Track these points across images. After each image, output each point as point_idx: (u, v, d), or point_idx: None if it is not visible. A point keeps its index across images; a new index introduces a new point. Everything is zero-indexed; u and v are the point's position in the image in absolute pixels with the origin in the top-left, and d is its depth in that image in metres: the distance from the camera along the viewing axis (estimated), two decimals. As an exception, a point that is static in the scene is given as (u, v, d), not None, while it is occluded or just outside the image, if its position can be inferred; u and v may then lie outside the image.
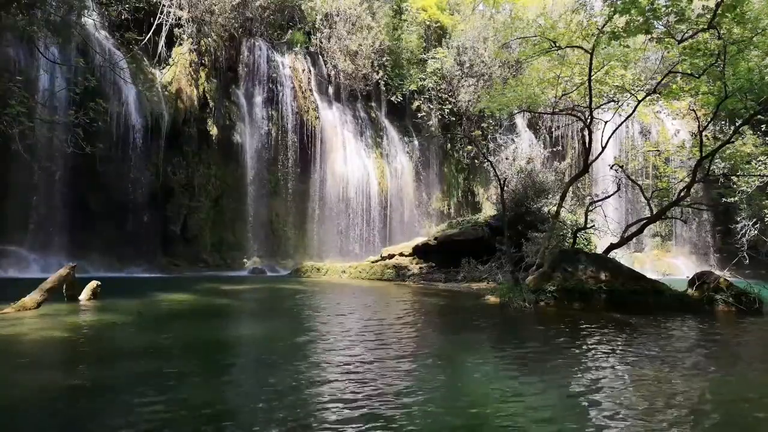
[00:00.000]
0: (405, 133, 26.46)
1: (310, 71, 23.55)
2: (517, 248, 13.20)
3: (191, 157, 19.71)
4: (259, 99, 21.84)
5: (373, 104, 26.02)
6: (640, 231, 13.39)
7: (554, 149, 26.77)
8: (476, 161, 26.37)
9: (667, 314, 8.76)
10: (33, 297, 7.68)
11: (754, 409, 3.97)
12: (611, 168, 14.83)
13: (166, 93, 19.09)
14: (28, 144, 12.92)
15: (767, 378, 5.02)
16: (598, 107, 12.98)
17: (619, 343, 6.43)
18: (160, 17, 19.16)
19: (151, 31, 19.00)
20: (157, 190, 18.46)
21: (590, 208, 13.74)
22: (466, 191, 27.72)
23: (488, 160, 16.05)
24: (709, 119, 13.57)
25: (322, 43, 23.89)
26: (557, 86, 13.47)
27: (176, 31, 19.85)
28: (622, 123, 14.13)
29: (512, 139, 26.35)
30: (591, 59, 11.23)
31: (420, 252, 17.62)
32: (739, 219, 20.95)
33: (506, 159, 21.53)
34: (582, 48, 11.89)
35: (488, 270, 15.01)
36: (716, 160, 14.36)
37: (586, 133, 12.84)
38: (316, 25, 24.03)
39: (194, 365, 4.93)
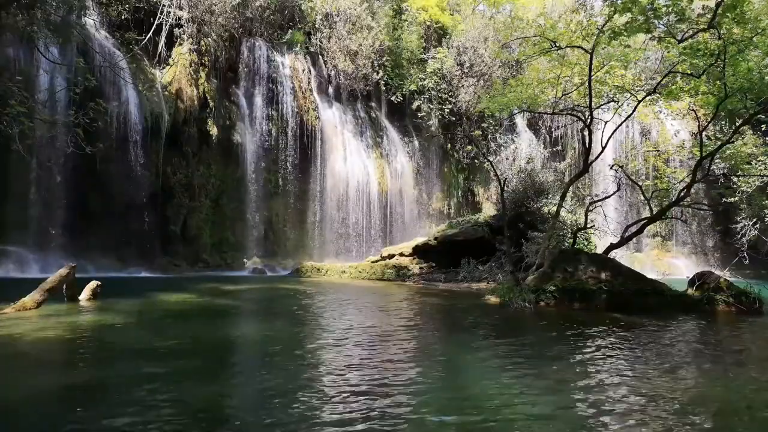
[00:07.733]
0: (405, 133, 26.45)
1: (310, 71, 23.54)
2: (517, 248, 13.20)
3: (191, 157, 19.71)
4: (259, 99, 21.83)
5: (373, 104, 26.00)
6: (640, 231, 13.40)
7: (554, 149, 26.81)
8: (476, 161, 26.36)
9: (667, 314, 8.76)
10: (33, 297, 7.69)
11: (755, 410, 3.97)
12: (611, 168, 14.84)
13: (166, 93, 19.09)
14: (28, 144, 12.90)
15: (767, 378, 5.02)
16: (598, 107, 12.98)
17: (619, 343, 6.43)
18: (160, 17, 19.16)
19: (151, 31, 19.01)
20: (157, 190, 18.46)
21: (590, 208, 13.73)
22: (466, 191, 27.72)
23: (488, 160, 16.04)
24: (709, 119, 13.57)
25: (322, 43, 23.88)
26: (557, 86, 13.48)
27: (176, 31, 19.85)
28: (622, 123, 14.12)
29: (512, 139, 26.44)
30: (591, 59, 11.23)
31: (420, 252, 17.61)
32: (739, 219, 20.93)
33: (506, 159, 21.59)
34: (582, 48, 11.89)
35: (488, 270, 15.04)
36: (716, 160, 14.35)
37: (586, 133, 12.84)
38: (316, 25, 24.01)
39: (194, 366, 4.92)
